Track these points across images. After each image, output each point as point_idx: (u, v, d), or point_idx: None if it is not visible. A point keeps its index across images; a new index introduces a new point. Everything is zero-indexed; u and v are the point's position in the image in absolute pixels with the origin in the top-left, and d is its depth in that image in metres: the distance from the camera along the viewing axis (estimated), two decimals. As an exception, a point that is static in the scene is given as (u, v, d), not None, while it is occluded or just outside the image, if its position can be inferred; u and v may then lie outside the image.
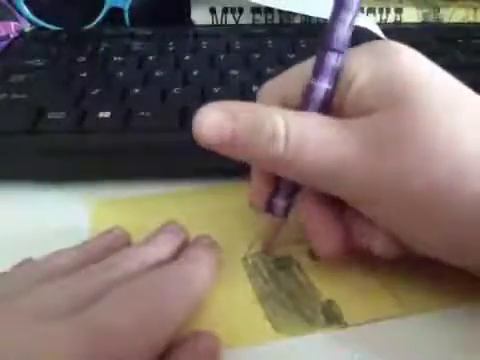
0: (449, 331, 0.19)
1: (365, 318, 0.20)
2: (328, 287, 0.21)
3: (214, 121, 0.19)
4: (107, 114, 0.28)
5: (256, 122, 0.19)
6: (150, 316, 0.17)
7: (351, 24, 0.19)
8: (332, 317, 0.20)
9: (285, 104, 0.20)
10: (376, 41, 0.20)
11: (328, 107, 0.19)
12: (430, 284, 0.20)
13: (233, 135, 0.19)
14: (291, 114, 0.19)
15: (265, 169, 0.21)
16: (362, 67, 0.19)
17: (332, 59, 0.19)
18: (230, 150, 0.19)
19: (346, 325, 0.19)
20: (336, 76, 0.19)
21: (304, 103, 0.19)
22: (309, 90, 0.19)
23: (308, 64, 0.20)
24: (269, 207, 0.21)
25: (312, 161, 0.18)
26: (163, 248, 0.21)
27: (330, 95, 0.19)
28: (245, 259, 0.23)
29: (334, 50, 0.19)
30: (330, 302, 0.20)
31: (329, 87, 0.19)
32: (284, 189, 0.21)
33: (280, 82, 0.22)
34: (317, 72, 0.19)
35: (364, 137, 0.18)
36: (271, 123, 0.18)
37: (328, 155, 0.18)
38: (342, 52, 0.19)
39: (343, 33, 0.19)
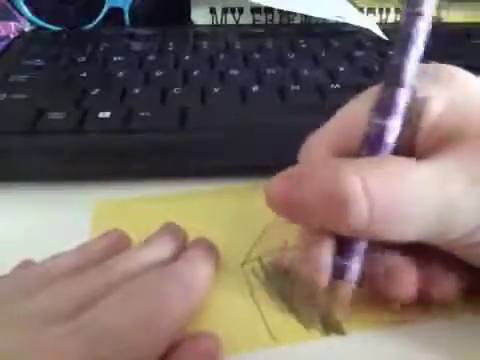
0: (452, 339, 0.19)
1: (364, 326, 0.19)
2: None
3: (280, 192, 0.17)
4: (107, 114, 0.28)
5: (326, 187, 0.16)
6: (149, 317, 0.17)
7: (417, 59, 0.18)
8: (330, 325, 0.19)
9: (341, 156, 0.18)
10: (427, 65, 0.19)
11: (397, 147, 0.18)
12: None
13: (303, 206, 0.17)
14: (366, 166, 0.16)
15: (347, 234, 0.18)
16: (433, 98, 0.18)
17: (403, 96, 0.18)
18: (306, 221, 0.18)
19: (344, 334, 0.19)
20: (406, 114, 0.18)
21: (372, 146, 0.18)
22: (378, 131, 0.18)
23: (359, 106, 0.19)
24: (339, 272, 0.18)
25: (408, 213, 0.16)
26: (162, 250, 0.21)
27: (401, 135, 0.18)
28: (244, 264, 0.22)
29: (405, 86, 0.18)
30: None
31: (400, 126, 0.18)
32: (357, 249, 0.18)
33: (331, 130, 0.20)
34: (388, 110, 0.18)
35: (463, 172, 0.16)
36: (344, 186, 0.16)
37: (428, 202, 0.16)
38: (412, 89, 0.18)
39: (413, 68, 0.18)
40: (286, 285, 0.21)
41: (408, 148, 0.18)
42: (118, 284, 0.18)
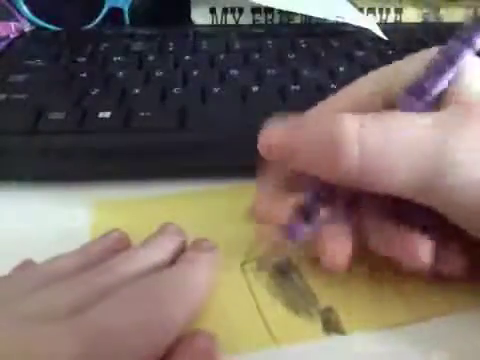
0: (453, 339, 0.19)
1: (364, 326, 0.19)
2: (327, 293, 0.21)
3: (276, 134, 0.18)
4: (107, 114, 0.28)
5: (323, 128, 0.16)
6: (148, 318, 0.17)
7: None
8: (331, 324, 0.20)
9: None
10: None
11: None
12: (431, 292, 0.20)
13: (298, 146, 0.17)
14: (366, 115, 0.16)
15: (337, 182, 0.17)
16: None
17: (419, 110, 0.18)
18: (297, 163, 0.18)
19: (344, 333, 0.19)
20: None
21: None
22: None
23: (376, 77, 0.20)
24: (291, 231, 0.19)
25: (403, 163, 0.16)
26: (161, 251, 0.21)
27: None
28: (244, 263, 0.22)
29: (425, 103, 0.18)
30: (329, 309, 0.20)
31: None
32: (315, 213, 0.19)
33: (343, 99, 0.20)
34: None
35: (462, 126, 0.16)
36: (339, 127, 0.16)
37: (419, 146, 0.15)
38: (429, 107, 0.18)
39: (440, 89, 0.18)
40: (286, 285, 0.21)
41: None
42: (117, 286, 0.18)
